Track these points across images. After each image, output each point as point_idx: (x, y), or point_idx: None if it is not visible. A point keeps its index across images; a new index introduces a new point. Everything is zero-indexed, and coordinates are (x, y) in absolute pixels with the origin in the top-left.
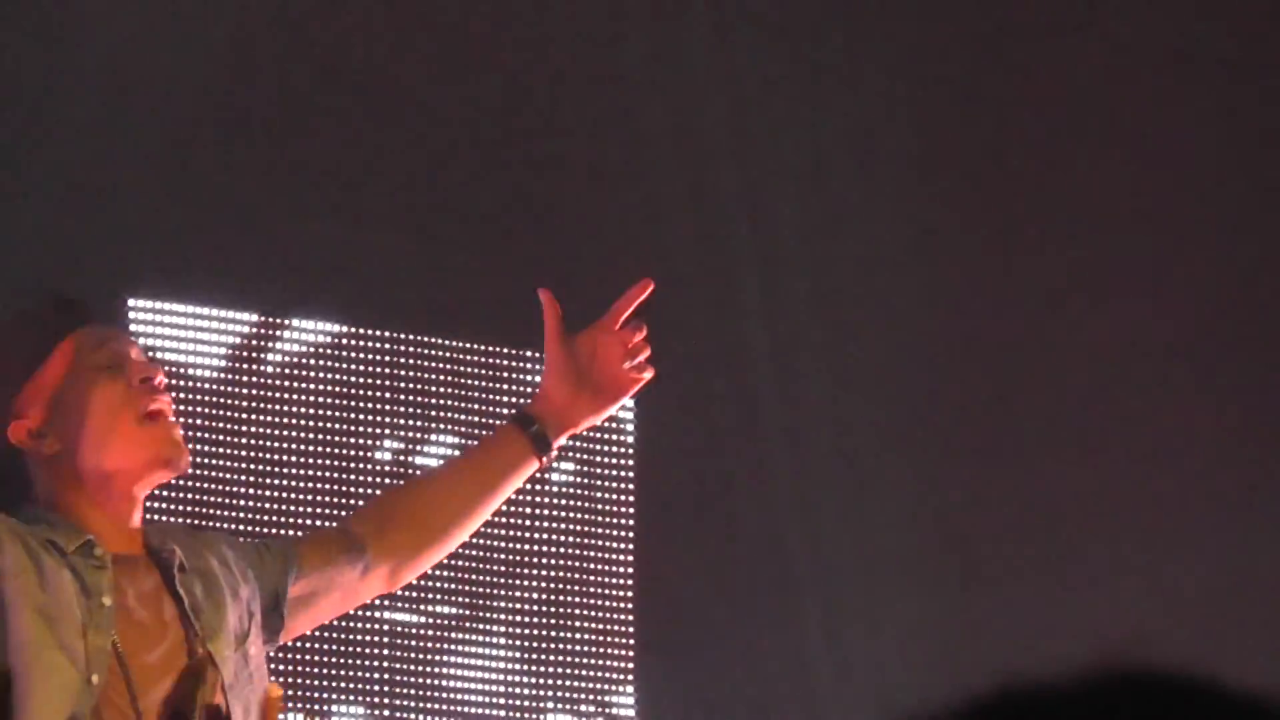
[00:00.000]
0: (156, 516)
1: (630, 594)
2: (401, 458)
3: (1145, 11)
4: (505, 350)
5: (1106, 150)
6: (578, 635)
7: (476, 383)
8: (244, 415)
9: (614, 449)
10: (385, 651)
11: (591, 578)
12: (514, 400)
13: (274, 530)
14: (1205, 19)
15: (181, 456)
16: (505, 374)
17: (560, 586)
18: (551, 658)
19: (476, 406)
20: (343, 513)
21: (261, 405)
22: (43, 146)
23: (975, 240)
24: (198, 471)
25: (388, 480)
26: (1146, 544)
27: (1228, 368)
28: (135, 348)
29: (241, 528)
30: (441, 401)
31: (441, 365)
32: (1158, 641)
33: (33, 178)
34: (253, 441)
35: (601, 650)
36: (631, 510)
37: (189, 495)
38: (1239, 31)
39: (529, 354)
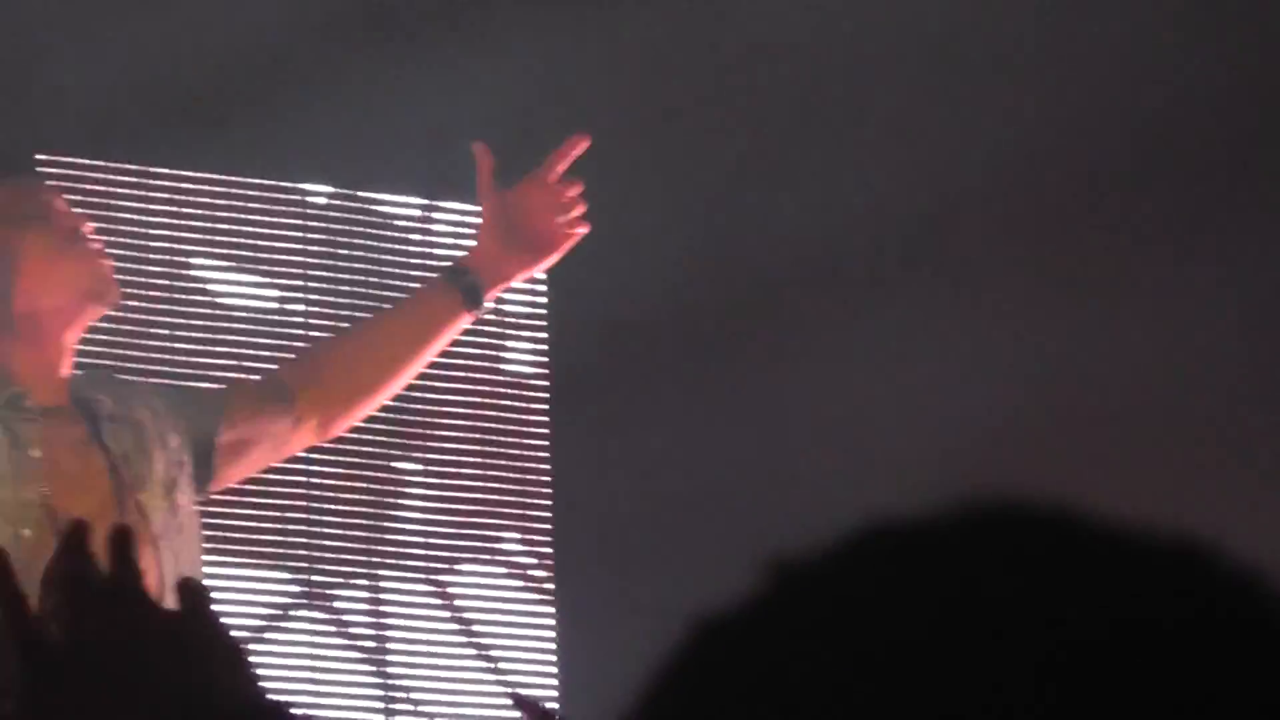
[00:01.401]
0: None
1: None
2: (329, 311)
3: None
4: (438, 204)
5: None
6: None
7: (409, 236)
8: (160, 269)
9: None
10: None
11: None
12: (446, 256)
13: (198, 384)
14: None
15: (111, 289)
16: (439, 229)
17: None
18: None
19: (409, 261)
20: (269, 366)
21: (180, 260)
22: None
23: None
24: (119, 324)
25: (315, 335)
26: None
27: None
28: (60, 199)
29: (165, 382)
30: (370, 255)
31: (370, 220)
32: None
33: None
34: (172, 295)
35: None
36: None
37: (112, 352)
38: None
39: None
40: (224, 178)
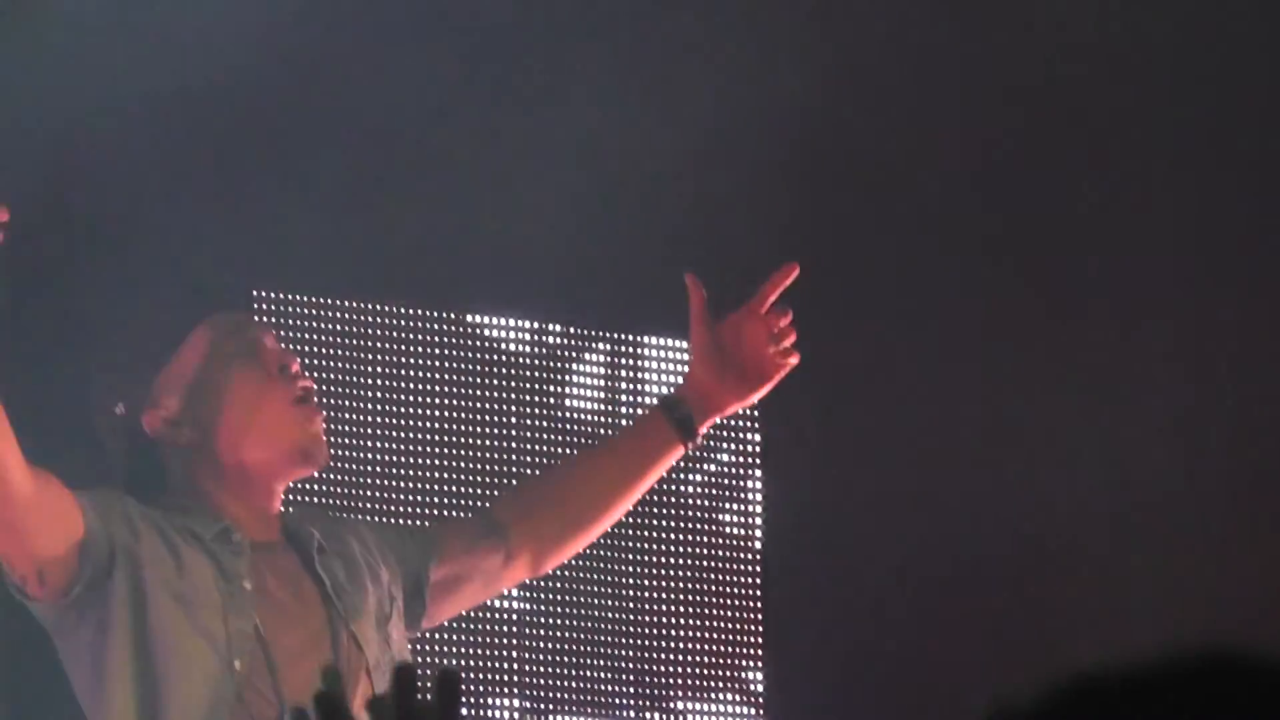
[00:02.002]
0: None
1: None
2: (541, 448)
3: None
4: (650, 340)
5: None
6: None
7: (617, 372)
8: (373, 406)
9: None
10: (515, 641)
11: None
12: (659, 390)
13: (409, 521)
14: None
15: (320, 451)
16: (649, 364)
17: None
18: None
19: (617, 396)
20: (480, 502)
21: (392, 396)
22: (169, 133)
23: None
24: (333, 464)
25: (527, 471)
26: None
27: None
28: (270, 335)
29: (375, 518)
30: (577, 391)
31: (575, 354)
32: None
33: (159, 167)
34: (386, 432)
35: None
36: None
37: (323, 487)
38: None
39: (674, 343)
40: (425, 312)
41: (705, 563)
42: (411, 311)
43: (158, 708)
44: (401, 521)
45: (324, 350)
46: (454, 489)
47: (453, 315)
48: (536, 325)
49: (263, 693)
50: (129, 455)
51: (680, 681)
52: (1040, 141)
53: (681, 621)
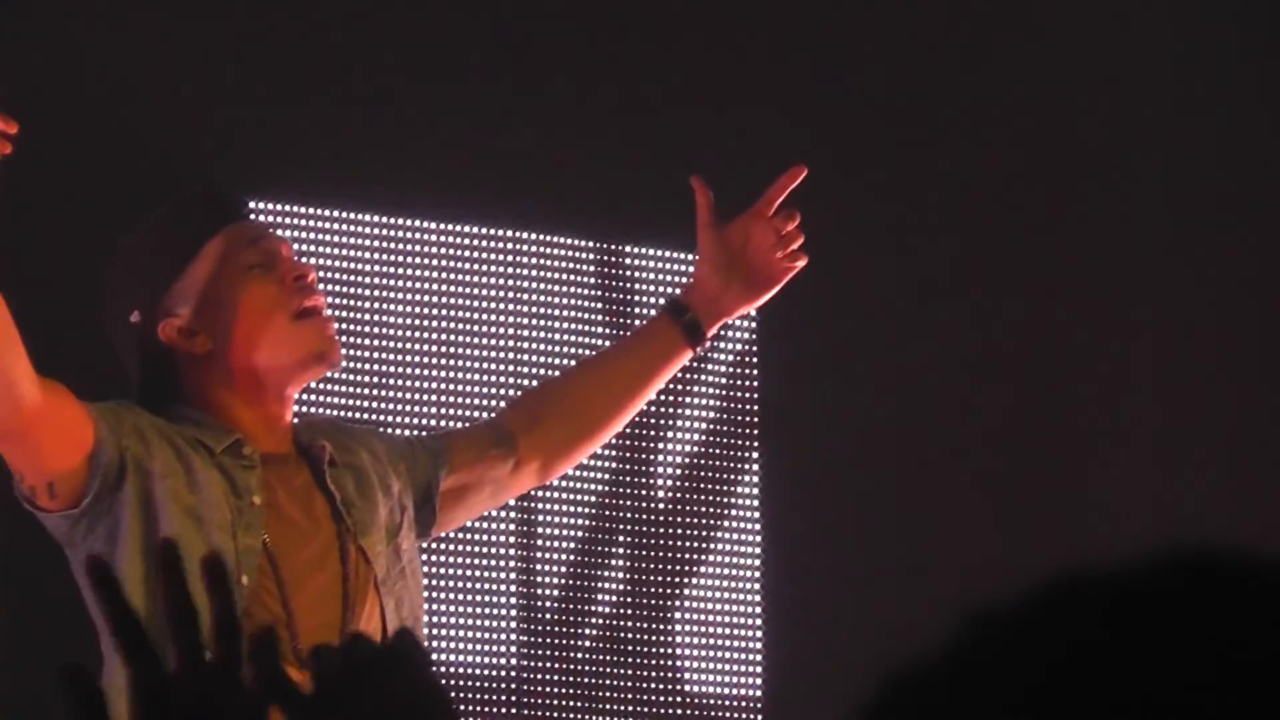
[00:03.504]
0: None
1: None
2: (546, 359)
3: None
4: (649, 251)
5: None
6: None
7: (620, 283)
8: (384, 318)
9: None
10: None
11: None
12: (657, 301)
13: (418, 428)
14: None
15: (334, 351)
16: (649, 275)
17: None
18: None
19: (619, 307)
20: (487, 412)
21: (400, 308)
22: (171, 40)
23: None
24: (340, 373)
25: (532, 379)
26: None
27: None
28: (286, 245)
29: (385, 427)
30: (582, 302)
31: (582, 266)
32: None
33: (161, 75)
34: (394, 343)
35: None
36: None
37: (332, 395)
38: None
39: (676, 255)
40: (439, 226)
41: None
42: (414, 223)
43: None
44: (410, 431)
45: (334, 262)
46: (461, 398)
47: (453, 227)
48: (538, 236)
49: (270, 608)
50: (142, 365)
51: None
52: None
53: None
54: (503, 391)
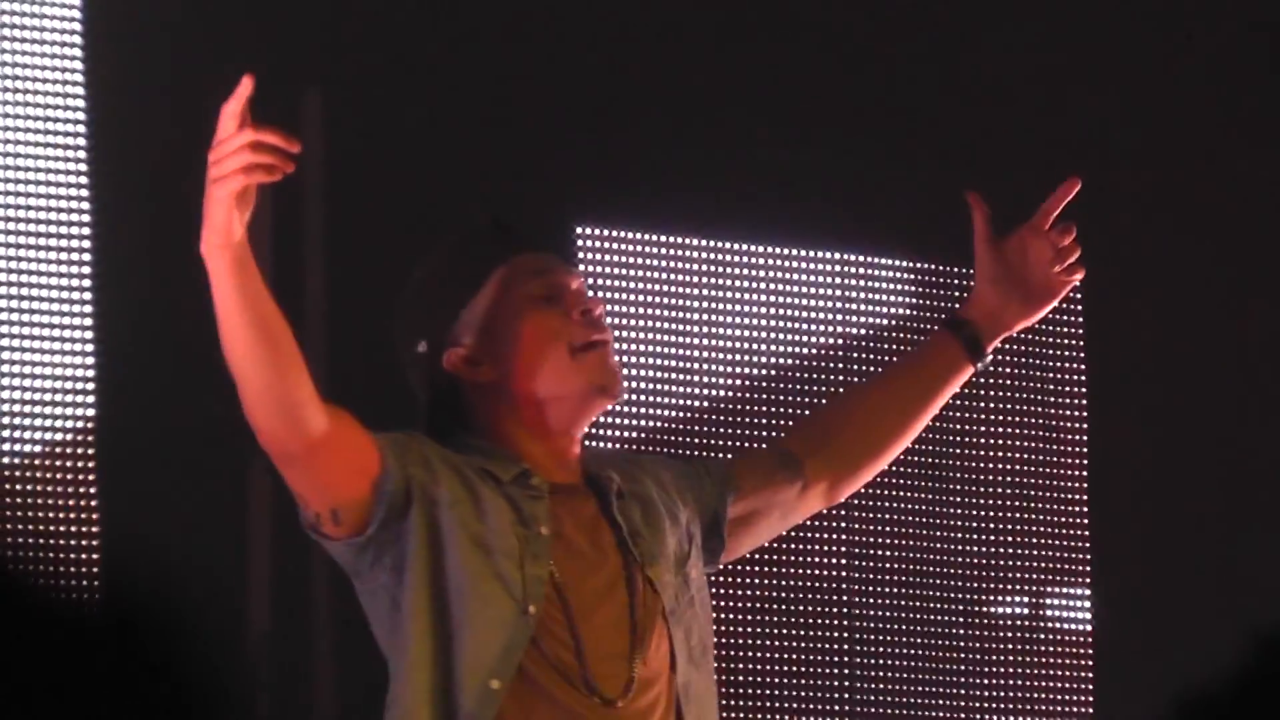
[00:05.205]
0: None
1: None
2: (830, 377)
3: None
4: (932, 267)
5: None
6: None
7: (904, 299)
8: (684, 340)
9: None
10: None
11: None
12: (939, 316)
13: (708, 453)
14: None
15: (615, 384)
16: (932, 290)
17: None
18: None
19: (902, 323)
20: (777, 433)
21: (693, 329)
22: (491, 67)
23: None
24: (636, 399)
25: (819, 398)
26: None
27: None
28: (577, 279)
29: (676, 451)
30: (869, 320)
31: (868, 283)
32: None
33: (477, 102)
34: (687, 365)
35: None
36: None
37: (622, 420)
38: None
39: (955, 269)
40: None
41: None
42: (705, 244)
43: (453, 649)
44: (697, 454)
45: (625, 284)
46: (747, 420)
47: (744, 247)
48: (812, 254)
49: (559, 637)
50: (430, 394)
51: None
52: None
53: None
54: (790, 410)
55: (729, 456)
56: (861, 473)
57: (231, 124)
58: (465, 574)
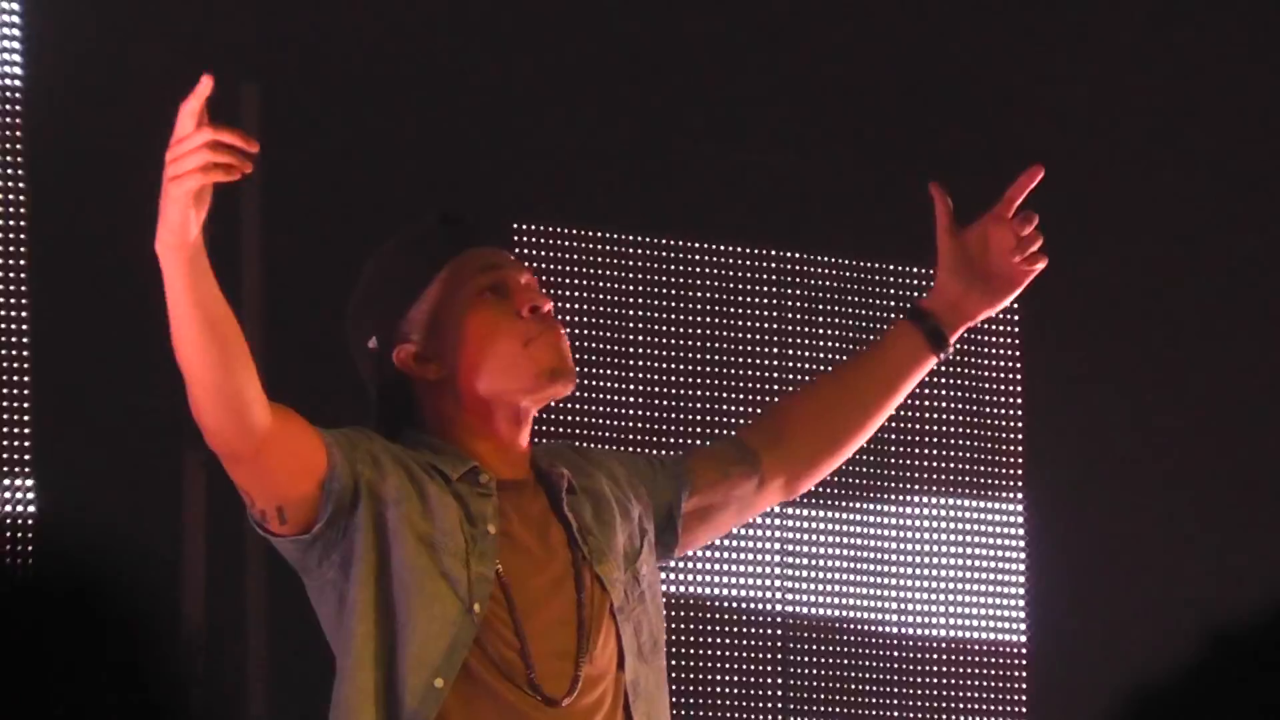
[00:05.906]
0: (541, 439)
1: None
2: (787, 376)
3: None
4: (888, 266)
5: None
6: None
7: (857, 298)
8: (630, 337)
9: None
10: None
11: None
12: (894, 315)
13: (660, 448)
14: None
15: (566, 372)
16: (887, 289)
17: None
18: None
19: (856, 322)
20: (729, 430)
21: (647, 326)
22: (431, 60)
23: None
24: (585, 394)
25: (773, 396)
26: None
27: None
28: (525, 274)
29: (627, 447)
30: (820, 318)
31: (821, 281)
32: None
33: (417, 95)
34: (640, 362)
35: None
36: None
37: (574, 417)
38: None
39: (911, 269)
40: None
41: None
42: (654, 240)
43: (397, 647)
44: (651, 450)
45: (572, 280)
46: (701, 416)
47: (695, 244)
48: (766, 252)
49: (504, 636)
50: (379, 391)
51: None
52: None
53: None
54: (744, 409)
55: (685, 451)
56: (820, 466)
57: (190, 123)
58: (411, 572)
